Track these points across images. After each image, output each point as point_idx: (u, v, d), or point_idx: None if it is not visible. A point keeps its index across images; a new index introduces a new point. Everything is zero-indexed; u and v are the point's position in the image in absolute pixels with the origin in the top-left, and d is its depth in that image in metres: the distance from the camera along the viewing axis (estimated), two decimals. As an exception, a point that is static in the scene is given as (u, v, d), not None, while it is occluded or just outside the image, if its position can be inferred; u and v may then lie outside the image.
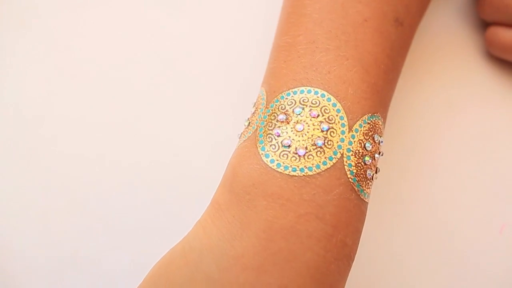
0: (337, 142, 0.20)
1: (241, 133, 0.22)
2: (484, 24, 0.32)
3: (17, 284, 0.28)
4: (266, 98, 0.22)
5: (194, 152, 0.30)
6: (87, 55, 0.32)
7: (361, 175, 0.20)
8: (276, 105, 0.21)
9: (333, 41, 0.21)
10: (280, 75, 0.22)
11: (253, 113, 0.22)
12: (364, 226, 0.21)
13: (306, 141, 0.20)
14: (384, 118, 0.22)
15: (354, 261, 0.21)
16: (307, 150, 0.20)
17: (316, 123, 0.20)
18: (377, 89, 0.21)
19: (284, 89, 0.21)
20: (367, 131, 0.20)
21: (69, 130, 0.31)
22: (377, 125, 0.21)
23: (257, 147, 0.20)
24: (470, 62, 0.32)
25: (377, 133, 0.21)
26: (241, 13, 0.32)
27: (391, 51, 0.22)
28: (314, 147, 0.20)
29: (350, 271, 0.21)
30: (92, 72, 0.32)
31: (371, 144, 0.21)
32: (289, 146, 0.20)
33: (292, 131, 0.20)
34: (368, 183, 0.21)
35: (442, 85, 0.31)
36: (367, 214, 0.22)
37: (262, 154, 0.20)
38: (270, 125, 0.21)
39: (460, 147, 0.30)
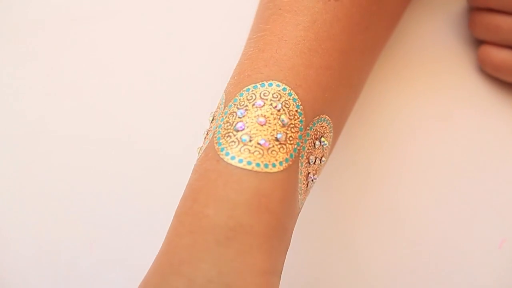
0: (214, 123, 0.21)
1: None
2: (477, 40, 0.32)
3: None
4: None
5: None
6: (82, 63, 0.33)
7: (233, 142, 0.20)
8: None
9: (252, 43, 0.23)
10: None
11: None
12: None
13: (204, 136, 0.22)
14: (298, 84, 0.21)
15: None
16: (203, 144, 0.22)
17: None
18: (274, 61, 0.21)
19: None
20: (243, 101, 0.21)
21: (68, 138, 0.31)
22: (262, 92, 0.21)
23: None
24: (462, 75, 0.32)
25: (262, 98, 0.20)
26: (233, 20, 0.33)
27: (311, 24, 0.22)
28: (204, 137, 0.22)
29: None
30: (86, 79, 0.33)
31: (246, 111, 0.20)
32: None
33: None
34: (248, 148, 0.20)
35: (436, 96, 0.32)
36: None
37: None
38: None
39: (458, 162, 0.30)
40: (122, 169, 0.31)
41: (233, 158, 0.19)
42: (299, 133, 0.20)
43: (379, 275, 0.29)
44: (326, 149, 0.22)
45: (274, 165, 0.19)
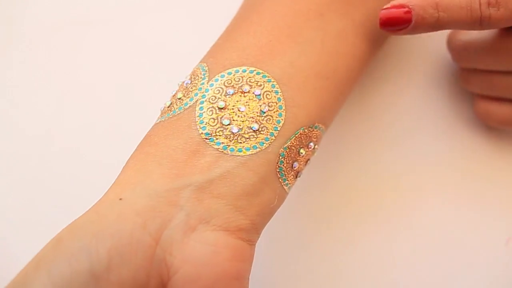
0: (194, 91, 0.23)
1: None
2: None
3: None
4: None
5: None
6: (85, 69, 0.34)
7: (213, 120, 0.22)
8: None
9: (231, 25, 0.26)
10: None
11: None
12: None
13: (172, 99, 0.24)
14: (210, 56, 0.24)
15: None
16: (170, 103, 0.24)
17: (183, 84, 0.24)
18: (258, 47, 0.24)
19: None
20: (230, 80, 0.23)
21: (75, 141, 0.32)
22: (248, 77, 0.23)
23: None
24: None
25: (248, 84, 0.23)
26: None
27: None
28: (176, 100, 0.24)
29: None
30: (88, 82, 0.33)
31: (233, 91, 0.23)
32: (163, 107, 0.24)
33: (171, 98, 0.25)
34: (222, 130, 0.22)
35: (437, 95, 0.32)
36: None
37: None
38: None
39: (465, 158, 0.31)
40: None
41: (203, 128, 0.23)
42: (200, 86, 0.23)
43: (385, 272, 0.29)
44: (270, 98, 0.23)
45: (240, 150, 0.22)
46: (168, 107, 0.23)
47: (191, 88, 0.23)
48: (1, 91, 0.33)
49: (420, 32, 0.24)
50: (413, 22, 0.23)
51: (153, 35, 0.34)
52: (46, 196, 0.30)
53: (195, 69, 0.24)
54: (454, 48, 0.29)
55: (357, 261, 0.29)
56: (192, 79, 0.24)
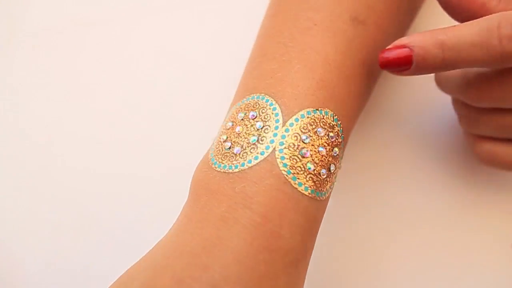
0: (270, 137, 0.21)
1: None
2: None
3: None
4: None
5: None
6: (89, 69, 0.33)
7: (299, 168, 0.20)
8: (228, 115, 0.23)
9: (280, 50, 0.23)
10: (237, 90, 0.24)
11: None
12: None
13: (242, 140, 0.21)
14: (342, 113, 0.22)
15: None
16: (242, 148, 0.21)
17: (252, 123, 0.21)
18: (325, 85, 0.22)
19: (237, 100, 0.23)
20: (305, 125, 0.21)
21: (77, 144, 0.32)
22: (321, 119, 0.21)
23: (209, 153, 0.22)
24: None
25: (322, 127, 0.21)
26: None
27: (347, 49, 0.23)
28: (248, 144, 0.21)
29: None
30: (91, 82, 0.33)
31: (309, 137, 0.21)
32: (229, 147, 0.21)
33: (233, 134, 0.22)
34: (312, 177, 0.20)
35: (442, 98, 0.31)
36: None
37: (209, 158, 0.22)
38: (220, 133, 0.22)
39: (470, 164, 0.30)
40: (136, 173, 0.31)
41: (300, 184, 0.20)
42: (339, 163, 0.22)
43: (389, 274, 0.29)
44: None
45: (324, 194, 0.21)
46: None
47: (339, 158, 0.22)
48: (2, 92, 0.33)
49: (428, 73, 0.22)
50: (414, 63, 0.22)
51: (156, 36, 0.34)
52: (47, 199, 0.30)
53: (336, 128, 0.22)
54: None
55: (359, 260, 0.29)
56: (340, 148, 0.21)
